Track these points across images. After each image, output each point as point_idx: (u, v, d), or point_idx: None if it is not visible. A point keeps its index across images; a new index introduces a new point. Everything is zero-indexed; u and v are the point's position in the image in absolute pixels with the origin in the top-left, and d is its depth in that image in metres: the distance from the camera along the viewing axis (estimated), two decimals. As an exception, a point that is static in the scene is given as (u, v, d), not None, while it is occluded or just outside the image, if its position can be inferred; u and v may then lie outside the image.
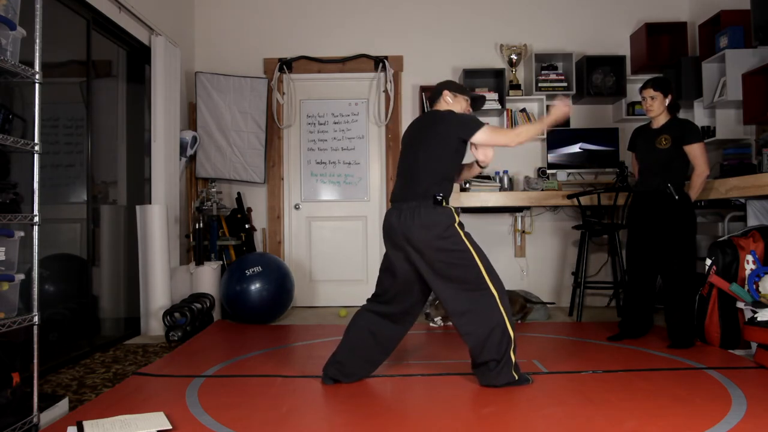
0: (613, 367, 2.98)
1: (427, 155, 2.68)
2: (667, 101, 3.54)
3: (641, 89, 3.60)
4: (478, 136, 2.65)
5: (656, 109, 3.54)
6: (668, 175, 3.48)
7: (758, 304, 3.11)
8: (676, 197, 3.44)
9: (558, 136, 5.06)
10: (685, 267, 3.43)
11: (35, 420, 2.18)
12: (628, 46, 5.22)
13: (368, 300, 2.84)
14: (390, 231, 2.69)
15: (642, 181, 3.65)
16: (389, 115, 5.24)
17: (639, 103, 5.06)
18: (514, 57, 5.13)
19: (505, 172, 5.00)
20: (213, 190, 4.89)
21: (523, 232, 5.23)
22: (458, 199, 4.65)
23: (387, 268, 2.77)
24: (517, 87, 5.10)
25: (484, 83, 5.15)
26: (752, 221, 3.67)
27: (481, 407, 2.40)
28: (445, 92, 2.85)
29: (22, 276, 2.17)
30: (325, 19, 5.31)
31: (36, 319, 2.20)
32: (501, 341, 2.58)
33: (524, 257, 5.24)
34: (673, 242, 3.43)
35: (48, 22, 2.37)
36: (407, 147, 2.79)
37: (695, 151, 3.46)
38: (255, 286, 4.28)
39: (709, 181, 3.71)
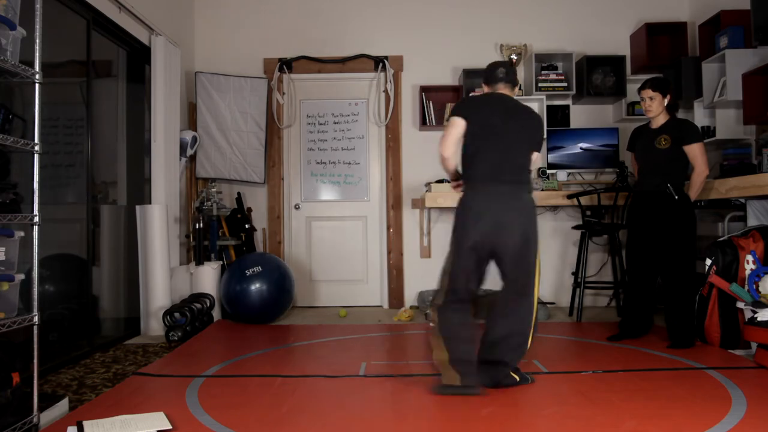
0: (613, 367, 2.97)
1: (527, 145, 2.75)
2: (666, 101, 3.53)
3: (640, 89, 3.60)
4: None
5: (655, 109, 3.54)
6: (668, 175, 3.48)
7: (758, 304, 3.11)
8: (676, 197, 3.44)
9: (558, 136, 5.06)
10: (685, 267, 3.43)
11: (35, 420, 2.18)
12: (628, 46, 5.22)
13: (446, 301, 2.66)
14: (487, 214, 2.59)
15: (641, 181, 3.65)
16: (389, 115, 5.24)
17: (639, 103, 5.06)
18: (514, 57, 5.13)
19: (505, 172, 4.99)
20: (213, 190, 4.89)
21: (523, 232, 5.22)
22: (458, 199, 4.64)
23: (473, 259, 2.65)
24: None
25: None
26: (752, 221, 3.67)
27: (481, 407, 2.40)
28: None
29: (22, 276, 2.17)
30: (325, 19, 5.31)
31: (36, 319, 2.20)
32: (516, 349, 2.60)
33: (524, 257, 5.23)
34: (673, 242, 3.43)
35: (48, 22, 2.37)
36: (500, 132, 2.68)
37: (695, 151, 3.46)
38: (255, 286, 4.28)
39: (709, 181, 3.71)
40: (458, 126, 2.69)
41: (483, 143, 2.66)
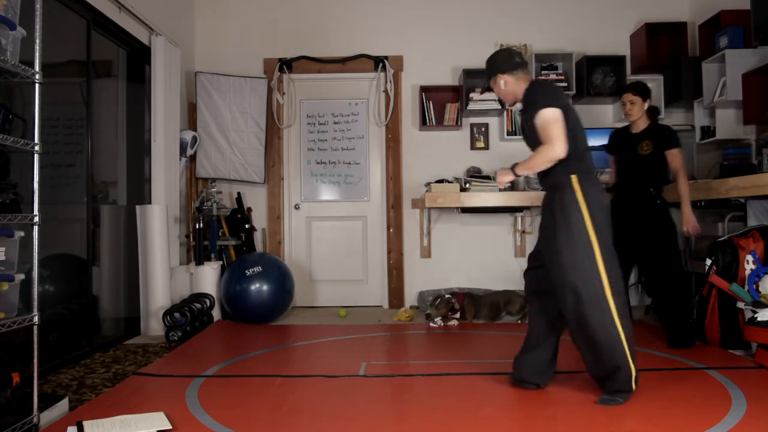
0: (613, 367, 2.97)
1: None
2: (646, 106, 3.56)
3: (622, 93, 3.64)
4: None
5: (636, 113, 3.57)
6: (650, 179, 3.51)
7: (758, 304, 3.11)
8: (658, 201, 3.48)
9: (558, 136, 5.05)
10: (672, 269, 3.44)
11: (35, 420, 2.18)
12: (628, 46, 5.22)
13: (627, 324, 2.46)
14: None
15: (622, 183, 3.66)
16: (389, 115, 5.24)
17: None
18: (514, 57, 5.12)
19: (505, 172, 4.99)
20: (213, 190, 4.90)
21: (523, 232, 5.23)
22: (459, 199, 4.65)
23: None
24: (517, 87, 5.10)
25: (484, 83, 5.13)
26: (752, 221, 3.67)
27: (481, 407, 2.40)
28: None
29: (22, 276, 2.17)
30: (325, 19, 5.31)
31: (36, 319, 2.20)
32: None
33: (524, 257, 5.23)
34: (658, 245, 3.44)
35: (48, 22, 2.37)
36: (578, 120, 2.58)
37: (676, 156, 3.49)
38: (255, 286, 4.28)
39: (708, 181, 3.72)
40: (562, 119, 2.41)
41: (579, 134, 2.51)
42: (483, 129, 5.26)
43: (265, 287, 4.30)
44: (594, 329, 2.37)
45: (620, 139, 3.72)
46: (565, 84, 5.03)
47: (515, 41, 5.17)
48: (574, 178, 2.45)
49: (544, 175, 2.55)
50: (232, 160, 5.10)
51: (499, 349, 3.39)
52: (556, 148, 2.37)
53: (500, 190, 4.79)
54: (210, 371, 2.99)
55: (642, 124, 3.60)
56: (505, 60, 2.60)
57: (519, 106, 2.69)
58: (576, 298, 2.37)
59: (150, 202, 4.31)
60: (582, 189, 2.43)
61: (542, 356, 2.62)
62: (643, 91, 3.56)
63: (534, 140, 2.51)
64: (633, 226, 3.52)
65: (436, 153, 5.26)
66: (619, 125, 5.09)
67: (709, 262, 3.46)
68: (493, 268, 5.22)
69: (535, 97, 2.45)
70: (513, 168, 2.55)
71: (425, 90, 5.13)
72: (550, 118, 2.38)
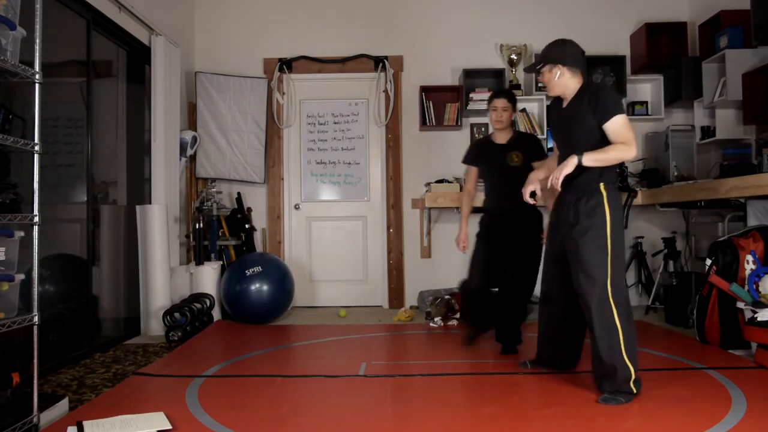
0: (613, 367, 2.97)
1: None
2: (514, 115, 3.41)
3: (492, 98, 3.40)
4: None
5: (505, 121, 3.37)
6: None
7: (758, 304, 3.11)
8: (539, 210, 3.37)
9: (558, 136, 5.05)
10: (532, 274, 3.31)
11: (35, 420, 2.18)
12: (628, 46, 5.22)
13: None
14: None
15: (495, 198, 3.47)
16: (389, 115, 5.24)
17: (639, 103, 5.07)
18: (514, 57, 5.13)
19: (505, 172, 4.99)
20: (213, 190, 4.90)
21: (523, 232, 5.22)
22: (459, 199, 4.65)
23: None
24: (517, 87, 5.10)
25: (484, 83, 5.14)
26: (752, 221, 3.67)
27: (481, 407, 2.40)
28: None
29: (22, 276, 2.17)
30: (325, 19, 5.31)
31: (36, 319, 2.20)
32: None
33: (524, 257, 5.23)
34: (527, 252, 3.31)
35: (48, 22, 2.37)
36: None
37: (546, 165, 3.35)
38: (255, 286, 4.28)
39: (709, 181, 3.71)
40: None
41: None
42: (483, 129, 5.26)
43: (265, 287, 4.30)
44: (596, 327, 2.47)
45: (483, 150, 3.49)
46: (565, 84, 5.03)
47: (515, 41, 5.17)
48: (603, 186, 2.53)
49: (571, 178, 2.55)
50: (232, 160, 5.10)
51: (498, 349, 3.39)
52: (634, 149, 2.44)
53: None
54: (210, 371, 2.99)
55: (507, 134, 3.41)
56: (572, 54, 2.61)
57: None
58: (594, 295, 2.48)
59: (150, 202, 4.31)
60: (608, 199, 2.52)
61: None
62: (515, 99, 3.40)
63: (571, 136, 2.58)
64: (513, 238, 3.34)
65: (436, 153, 5.26)
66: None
67: (709, 262, 3.46)
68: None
69: (609, 103, 2.49)
70: (580, 157, 2.41)
71: (425, 90, 5.13)
72: (626, 122, 2.47)
